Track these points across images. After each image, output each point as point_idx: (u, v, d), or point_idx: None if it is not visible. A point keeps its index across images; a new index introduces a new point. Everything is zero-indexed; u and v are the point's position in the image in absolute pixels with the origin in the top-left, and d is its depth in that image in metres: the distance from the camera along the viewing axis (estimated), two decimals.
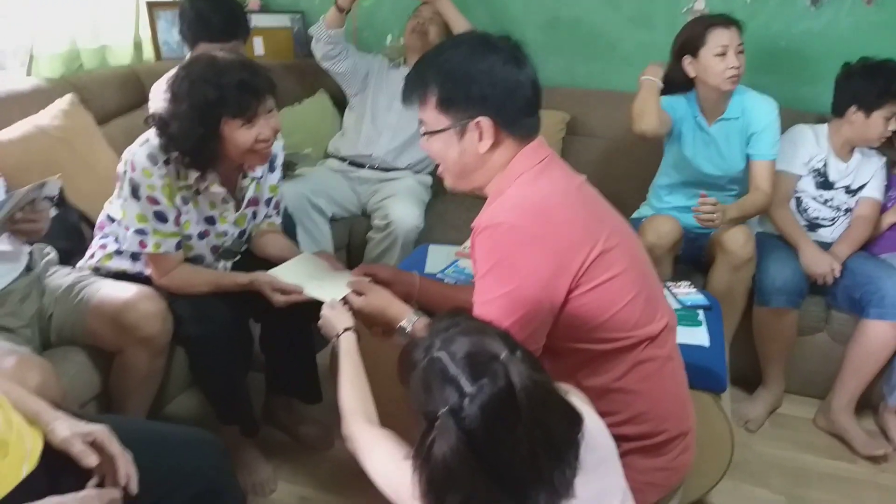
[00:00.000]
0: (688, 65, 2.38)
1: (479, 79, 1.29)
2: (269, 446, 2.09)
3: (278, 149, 1.99)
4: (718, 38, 2.31)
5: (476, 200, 3.01)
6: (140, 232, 1.76)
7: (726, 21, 2.33)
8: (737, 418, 2.36)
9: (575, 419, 0.99)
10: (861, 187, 2.52)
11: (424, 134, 1.38)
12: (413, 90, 1.36)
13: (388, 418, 1.28)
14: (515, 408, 0.92)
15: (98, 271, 1.91)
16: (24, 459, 1.07)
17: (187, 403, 2.19)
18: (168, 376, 1.95)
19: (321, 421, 2.19)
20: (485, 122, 1.29)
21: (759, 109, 2.39)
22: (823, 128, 2.55)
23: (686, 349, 1.50)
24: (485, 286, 1.27)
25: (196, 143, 1.68)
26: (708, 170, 2.47)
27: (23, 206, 1.57)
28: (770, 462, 2.23)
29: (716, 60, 2.32)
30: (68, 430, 1.12)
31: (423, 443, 0.93)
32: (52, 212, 1.66)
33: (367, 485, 1.99)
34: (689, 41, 2.37)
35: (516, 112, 1.31)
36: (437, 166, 3.03)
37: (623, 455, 1.23)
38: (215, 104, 1.65)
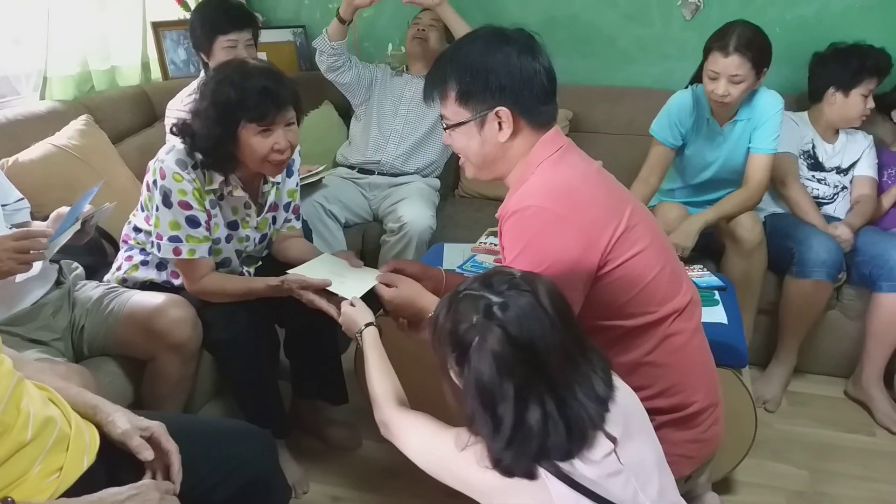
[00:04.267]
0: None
1: (497, 70, 1.33)
2: (299, 449, 2.11)
3: (295, 154, 2.02)
4: (712, 63, 2.28)
5: (484, 201, 3.09)
6: (174, 239, 1.79)
7: (729, 48, 2.22)
8: (755, 400, 2.38)
9: (599, 350, 1.12)
10: (852, 166, 2.59)
11: (446, 129, 1.42)
12: (433, 87, 1.40)
13: (416, 407, 1.31)
14: (541, 307, 1.04)
15: (125, 282, 1.94)
16: (84, 452, 1.11)
17: (214, 412, 2.20)
18: (194, 385, 1.97)
19: (348, 422, 2.22)
20: (503, 111, 1.34)
21: (764, 104, 2.39)
22: (803, 115, 2.63)
23: (706, 327, 1.53)
24: (516, 268, 1.31)
25: (214, 143, 1.72)
26: (715, 169, 2.51)
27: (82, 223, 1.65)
28: (790, 438, 2.26)
29: (707, 80, 2.32)
30: (128, 423, 1.16)
31: (469, 373, 1.03)
32: (70, 233, 1.68)
33: (397, 482, 2.03)
34: (705, 47, 2.34)
35: (533, 100, 1.36)
36: (443, 169, 3.11)
37: (657, 428, 1.27)
38: (235, 106, 1.69)
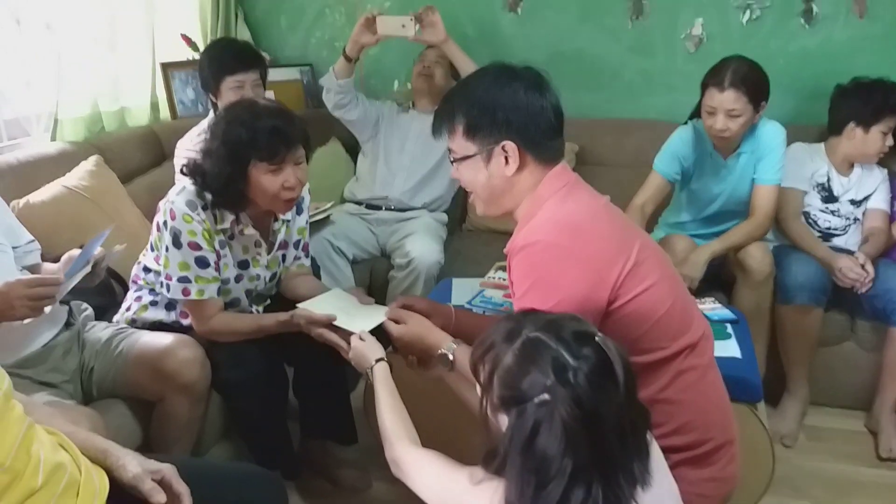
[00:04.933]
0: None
1: (504, 104, 1.35)
2: (308, 491, 2.09)
3: (304, 192, 2.03)
4: (709, 99, 2.31)
5: (492, 235, 3.09)
6: (183, 280, 1.79)
7: (724, 84, 2.25)
8: (771, 435, 2.35)
9: (646, 411, 1.05)
10: (865, 198, 2.59)
11: (454, 162, 1.43)
12: (442, 121, 1.42)
13: (427, 444, 1.28)
14: (615, 380, 0.97)
15: (135, 323, 1.95)
16: (94, 497, 1.10)
17: (222, 454, 2.18)
18: (203, 426, 1.95)
19: (358, 462, 2.18)
20: (510, 145, 1.34)
21: (767, 136, 2.40)
22: (819, 146, 2.63)
23: (719, 361, 1.51)
24: (525, 304, 1.29)
25: (224, 182, 1.74)
26: (721, 202, 2.52)
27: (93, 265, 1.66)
28: (810, 474, 2.22)
29: (705, 115, 2.34)
30: (138, 466, 1.15)
31: (520, 430, 0.96)
32: (80, 276, 1.68)
33: None
34: (702, 84, 2.36)
35: (540, 135, 1.37)
36: (450, 203, 3.11)
37: (673, 467, 1.24)
38: (246, 145, 1.71)
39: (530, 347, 1.00)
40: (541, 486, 0.95)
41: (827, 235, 2.58)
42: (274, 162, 1.73)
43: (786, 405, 2.45)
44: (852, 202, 2.58)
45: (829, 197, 2.59)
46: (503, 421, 1.01)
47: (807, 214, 2.60)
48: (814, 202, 2.59)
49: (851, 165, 2.59)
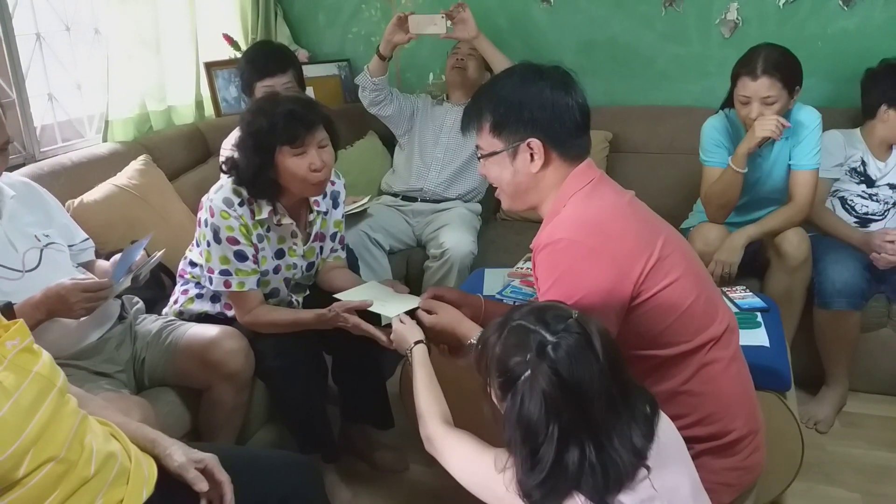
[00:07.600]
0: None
1: (529, 103, 1.38)
2: (348, 473, 2.17)
3: (341, 186, 2.11)
4: (742, 88, 2.30)
5: (525, 224, 3.14)
6: (224, 273, 1.88)
7: (757, 71, 2.24)
8: (806, 420, 2.35)
9: (647, 394, 1.12)
10: None
11: (481, 158, 1.47)
12: (470, 119, 1.47)
13: (459, 425, 1.34)
14: (593, 350, 1.05)
15: (182, 315, 2.05)
16: (143, 484, 1.19)
17: (267, 437, 2.28)
18: (248, 412, 2.05)
19: (395, 446, 2.27)
20: (535, 143, 1.38)
21: (802, 121, 2.38)
22: (855, 132, 2.59)
23: (747, 350, 1.53)
24: (549, 300, 1.35)
25: (255, 171, 1.82)
26: (756, 189, 2.50)
27: (137, 273, 1.76)
28: (843, 461, 2.22)
29: (738, 105, 2.33)
30: (183, 455, 1.23)
31: (513, 405, 1.04)
32: (123, 286, 1.77)
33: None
34: (733, 74, 2.36)
35: (565, 133, 1.40)
36: (485, 194, 3.16)
37: (695, 457, 1.28)
38: (267, 133, 1.78)
39: (514, 333, 1.09)
40: (534, 452, 1.03)
41: (865, 221, 2.55)
42: (295, 145, 1.79)
43: (824, 394, 2.44)
44: (891, 186, 2.54)
45: (867, 181, 2.55)
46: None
47: (844, 200, 2.57)
48: (851, 187, 2.56)
49: (890, 149, 2.55)
